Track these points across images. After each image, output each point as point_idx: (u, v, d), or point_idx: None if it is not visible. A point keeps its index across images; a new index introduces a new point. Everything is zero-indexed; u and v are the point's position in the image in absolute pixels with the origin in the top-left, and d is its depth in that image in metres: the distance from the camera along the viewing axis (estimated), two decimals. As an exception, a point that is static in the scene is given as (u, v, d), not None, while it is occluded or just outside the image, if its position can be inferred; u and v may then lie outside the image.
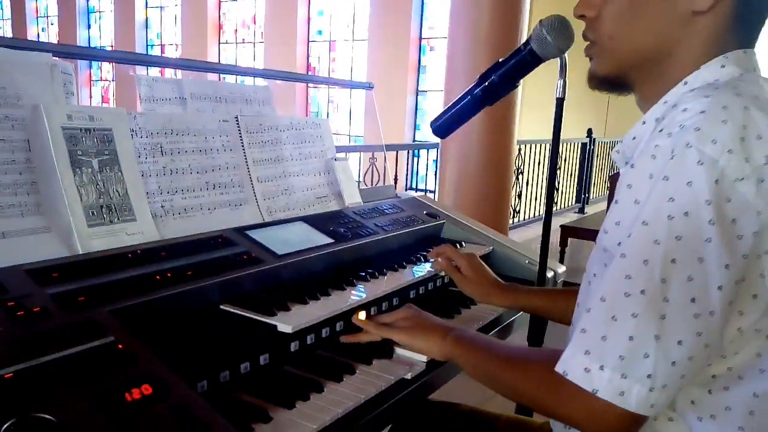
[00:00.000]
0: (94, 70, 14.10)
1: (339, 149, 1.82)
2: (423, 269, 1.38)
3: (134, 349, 0.83)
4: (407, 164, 10.26)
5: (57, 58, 1.08)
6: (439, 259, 1.32)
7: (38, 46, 1.09)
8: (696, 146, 0.65)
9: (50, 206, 1.01)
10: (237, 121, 1.39)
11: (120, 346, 0.82)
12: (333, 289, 1.19)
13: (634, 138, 0.82)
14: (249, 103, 1.47)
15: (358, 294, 1.19)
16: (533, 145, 6.65)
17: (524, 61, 1.05)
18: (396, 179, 4.50)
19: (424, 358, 1.07)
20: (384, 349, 1.09)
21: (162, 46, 13.32)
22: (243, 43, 12.24)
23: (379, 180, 4.41)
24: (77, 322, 0.83)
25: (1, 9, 15.53)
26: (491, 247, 1.67)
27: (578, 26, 0.94)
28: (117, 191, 1.11)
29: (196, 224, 1.24)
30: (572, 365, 0.68)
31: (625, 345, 0.65)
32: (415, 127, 10.80)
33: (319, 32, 11.50)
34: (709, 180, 0.64)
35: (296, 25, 11.21)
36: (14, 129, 0.99)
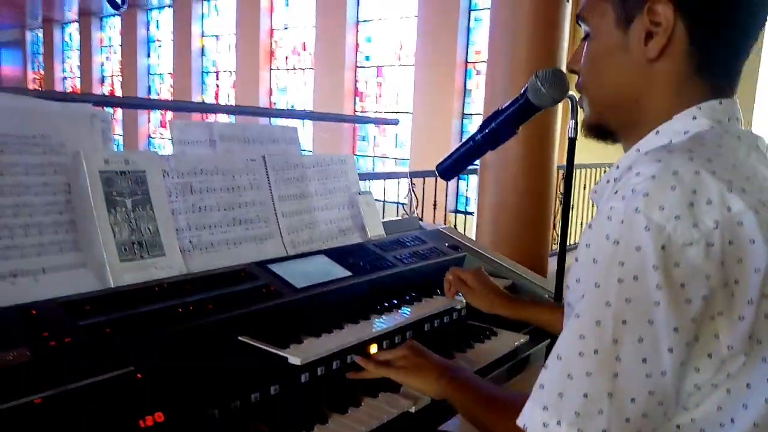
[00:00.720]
0: (153, 95, 14.78)
1: (362, 176, 1.88)
2: (439, 302, 1.43)
3: (151, 378, 0.91)
4: (456, 187, 10.30)
5: (97, 108, 1.19)
6: (449, 277, 1.39)
7: (80, 98, 1.20)
8: (644, 212, 0.67)
9: (86, 243, 1.11)
10: (264, 160, 1.47)
11: (138, 375, 0.90)
12: (347, 322, 1.25)
13: (608, 181, 0.85)
14: (276, 142, 1.56)
15: (371, 327, 1.24)
16: (585, 170, 6.57)
17: (521, 109, 1.10)
18: (435, 204, 4.53)
19: (429, 392, 1.11)
20: (391, 383, 1.14)
21: (217, 72, 13.85)
22: (293, 69, 12.60)
23: (418, 204, 4.45)
24: (102, 353, 0.92)
25: (71, 40, 16.49)
26: (510, 281, 1.69)
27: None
28: (148, 228, 1.20)
29: (222, 258, 1.32)
30: (531, 419, 0.71)
31: (580, 402, 0.68)
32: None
33: (367, 58, 11.72)
34: (656, 246, 0.66)
35: (344, 51, 11.48)
36: (57, 174, 1.10)
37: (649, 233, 0.67)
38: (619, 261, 0.68)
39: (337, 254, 1.49)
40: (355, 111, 12.08)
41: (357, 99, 11.86)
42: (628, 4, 0.81)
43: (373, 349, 1.25)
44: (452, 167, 1.20)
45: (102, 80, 15.88)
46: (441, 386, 1.05)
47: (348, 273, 1.42)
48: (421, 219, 2.03)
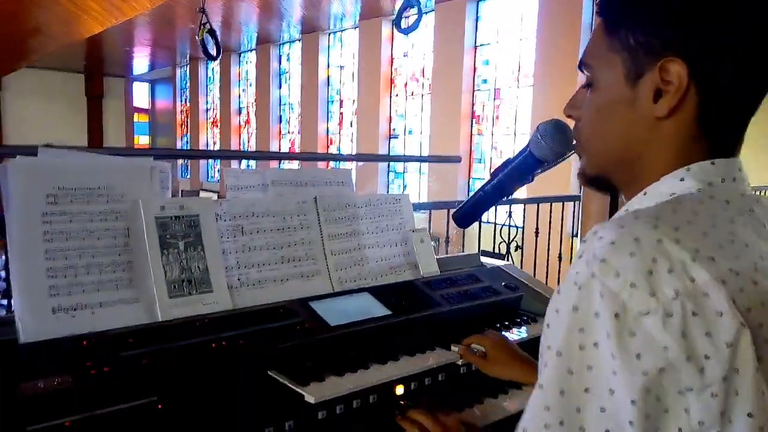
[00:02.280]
0: (283, 124, 15.77)
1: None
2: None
3: (171, 409, 1.01)
4: (573, 211, 9.90)
5: (156, 161, 1.35)
6: (456, 349, 1.36)
7: (141, 153, 1.37)
8: (599, 278, 0.66)
9: (140, 281, 1.25)
10: (316, 201, 1.57)
11: (159, 406, 1.01)
12: (374, 362, 1.29)
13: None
14: (329, 185, 1.65)
15: (397, 369, 1.27)
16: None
17: (526, 163, 1.09)
18: (550, 229, 4.38)
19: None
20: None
21: (341, 101, 14.49)
22: (412, 95, 12.87)
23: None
24: (133, 382, 1.04)
25: (213, 74, 18.09)
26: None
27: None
28: (198, 267, 1.33)
29: (269, 294, 1.42)
30: None
31: None
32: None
33: (484, 81, 11.70)
34: (610, 314, 0.64)
35: (462, 75, 11.56)
36: (118, 220, 1.26)
37: (604, 300, 0.65)
38: (579, 327, 0.67)
39: (381, 292, 1.54)
40: (472, 134, 12.06)
41: (473, 121, 11.84)
42: (638, 60, 0.79)
43: (399, 389, 1.28)
44: (467, 216, 1.21)
45: (239, 111, 17.22)
46: None
47: (387, 311, 1.47)
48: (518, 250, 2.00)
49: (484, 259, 1.95)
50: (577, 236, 4.65)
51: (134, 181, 1.30)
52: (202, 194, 17.41)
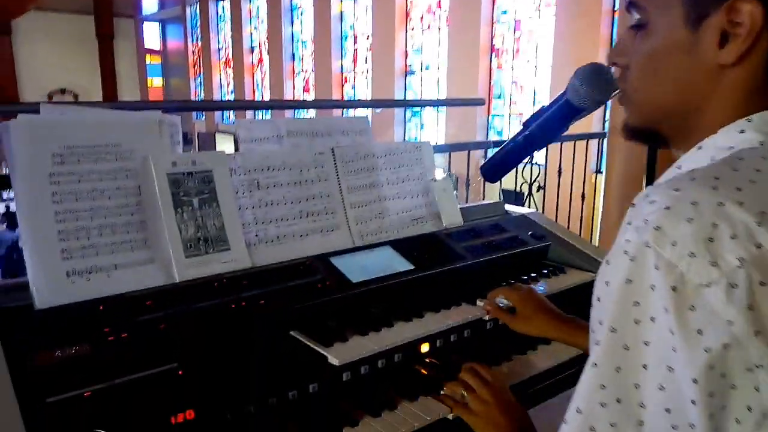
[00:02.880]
0: (297, 62, 15.44)
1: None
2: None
3: (192, 375, 0.99)
4: (597, 147, 9.66)
5: (165, 114, 1.28)
6: (486, 307, 1.31)
7: (147, 106, 1.30)
8: (654, 248, 0.60)
9: (155, 241, 1.21)
10: (333, 152, 1.50)
11: (180, 372, 0.98)
12: (399, 319, 1.25)
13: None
14: (345, 134, 1.58)
15: (423, 326, 1.24)
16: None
17: (561, 112, 1.00)
18: (560, 170, 4.27)
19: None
20: (434, 385, 1.13)
21: (355, 36, 14.08)
22: (428, 29, 12.44)
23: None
24: (152, 349, 1.01)
25: (224, 12, 17.65)
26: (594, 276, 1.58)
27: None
28: (214, 225, 1.28)
29: (288, 250, 1.38)
30: None
31: None
32: (605, 107, 10.09)
33: (504, 12, 11.25)
34: (666, 286, 0.59)
35: (480, 7, 11.10)
36: (128, 178, 1.21)
37: (659, 272, 0.60)
38: (634, 301, 0.62)
39: (403, 245, 1.49)
40: (491, 68, 11.72)
41: (493, 55, 11.48)
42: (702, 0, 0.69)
43: (424, 347, 1.25)
44: (496, 168, 1.13)
45: (251, 50, 16.87)
46: None
47: (410, 266, 1.42)
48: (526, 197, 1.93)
49: (508, 207, 1.88)
50: (601, 172, 4.54)
51: (143, 137, 1.24)
52: (218, 136, 17.36)
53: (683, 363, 0.58)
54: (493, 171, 1.14)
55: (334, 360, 1.09)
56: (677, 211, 0.60)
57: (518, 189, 4.31)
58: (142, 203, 1.22)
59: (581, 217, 4.66)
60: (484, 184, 4.05)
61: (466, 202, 3.18)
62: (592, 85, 0.97)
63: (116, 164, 1.20)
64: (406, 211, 1.61)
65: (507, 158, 1.12)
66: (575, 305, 1.26)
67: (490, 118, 11.62)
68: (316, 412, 1.05)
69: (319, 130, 1.53)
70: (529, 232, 1.70)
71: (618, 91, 0.85)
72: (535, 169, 4.23)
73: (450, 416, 1.08)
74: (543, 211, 4.49)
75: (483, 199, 2.01)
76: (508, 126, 11.16)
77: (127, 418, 0.89)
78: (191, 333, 1.07)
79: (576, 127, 1.08)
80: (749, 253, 0.58)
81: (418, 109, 12.69)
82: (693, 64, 0.71)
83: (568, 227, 4.40)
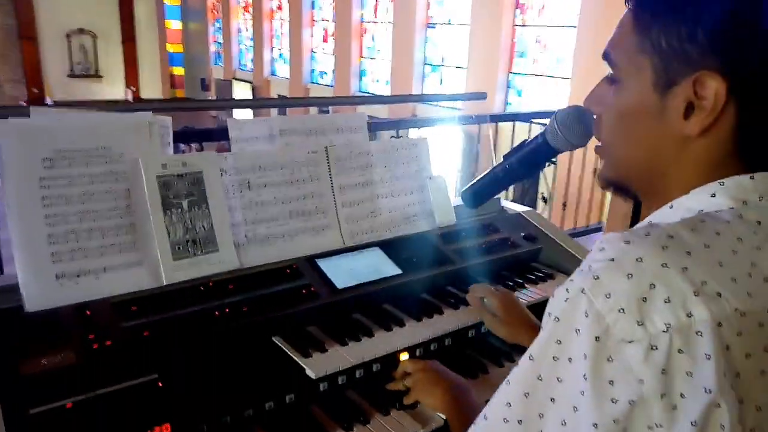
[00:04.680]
0: (317, 11, 15.12)
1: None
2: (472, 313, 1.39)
3: (171, 386, 1.03)
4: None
5: (156, 115, 1.28)
6: (472, 300, 1.34)
7: (139, 107, 1.30)
8: (588, 295, 0.62)
9: (143, 243, 1.24)
10: (326, 151, 1.50)
11: (160, 384, 1.02)
12: (380, 328, 1.28)
13: None
14: (340, 132, 1.57)
15: (401, 337, 1.26)
16: None
17: (539, 149, 0.98)
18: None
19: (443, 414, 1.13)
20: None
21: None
22: (449, -21, 12.10)
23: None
24: (134, 358, 1.05)
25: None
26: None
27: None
28: (203, 226, 1.30)
29: (277, 251, 1.40)
30: None
31: None
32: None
33: (531, -34, 10.88)
34: (590, 334, 0.61)
35: (508, -40, 10.75)
36: (118, 181, 1.23)
37: (588, 319, 0.62)
38: (557, 339, 0.65)
39: (393, 247, 1.50)
40: (515, 24, 11.40)
41: (518, 11, 11.15)
42: (671, 67, 0.68)
43: (404, 356, 1.28)
44: (476, 196, 1.13)
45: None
46: (443, 403, 1.08)
47: (398, 271, 1.44)
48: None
49: (505, 204, 1.87)
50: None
51: (133, 139, 1.25)
52: (235, 84, 17.23)
53: (588, 407, 0.61)
54: (473, 198, 1.14)
55: (311, 372, 1.13)
56: (620, 265, 0.62)
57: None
58: (131, 206, 1.24)
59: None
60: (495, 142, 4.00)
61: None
62: (570, 130, 0.96)
63: (106, 167, 1.22)
64: (399, 209, 1.61)
65: (486, 188, 1.12)
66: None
67: (509, 76, 11.37)
68: (291, 423, 1.08)
69: (313, 128, 1.53)
70: (522, 234, 1.70)
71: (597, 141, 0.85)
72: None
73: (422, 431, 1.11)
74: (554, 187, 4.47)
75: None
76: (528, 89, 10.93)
77: (106, 429, 0.93)
78: (173, 341, 1.11)
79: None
80: (677, 320, 0.59)
81: (438, 63, 12.47)
82: (660, 129, 0.71)
83: (576, 210, 4.38)
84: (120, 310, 1.13)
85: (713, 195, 0.69)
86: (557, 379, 0.65)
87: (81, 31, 18.53)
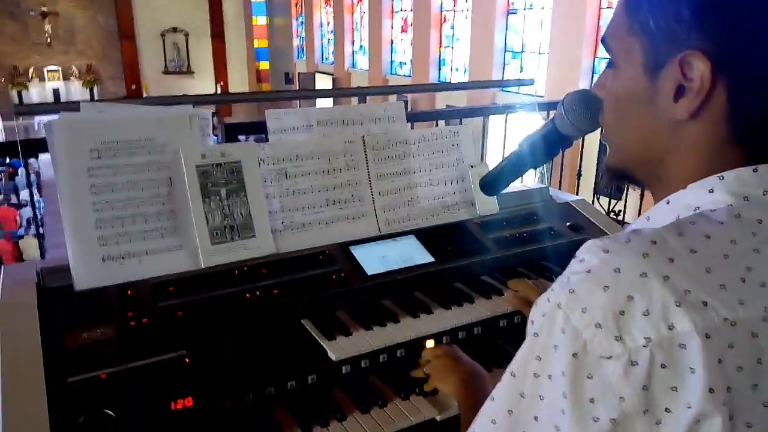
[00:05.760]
0: (396, 1, 15.15)
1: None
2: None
3: (198, 362, 1.09)
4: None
5: (196, 108, 1.35)
6: (509, 296, 1.32)
7: (180, 101, 1.38)
8: (565, 310, 0.59)
9: (183, 229, 1.31)
10: (363, 140, 1.52)
11: (187, 360, 1.09)
12: (407, 314, 1.29)
13: None
14: (378, 122, 1.58)
15: (427, 324, 1.27)
16: None
17: (549, 135, 0.95)
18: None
19: (461, 401, 1.13)
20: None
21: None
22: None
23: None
24: (166, 334, 1.12)
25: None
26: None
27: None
28: (241, 213, 1.36)
29: (313, 238, 1.44)
30: None
31: None
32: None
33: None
34: (568, 351, 0.59)
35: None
36: (160, 170, 1.31)
37: (565, 336, 0.60)
38: (537, 355, 0.63)
39: (428, 235, 1.51)
40: (601, 7, 10.92)
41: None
42: (658, 48, 0.66)
43: (429, 343, 1.28)
44: (494, 182, 1.11)
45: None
46: (456, 391, 1.08)
47: (430, 258, 1.44)
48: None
49: (554, 192, 1.82)
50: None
51: (174, 131, 1.32)
52: (318, 76, 17.61)
53: (569, 427, 0.59)
54: (489, 185, 1.13)
55: (331, 354, 1.16)
56: (596, 277, 0.59)
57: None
58: (172, 193, 1.32)
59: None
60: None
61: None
62: (577, 115, 0.92)
63: (149, 157, 1.30)
64: (438, 198, 1.61)
65: (502, 174, 1.10)
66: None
67: (595, 61, 10.92)
68: (311, 403, 1.12)
69: (350, 118, 1.55)
70: (568, 223, 1.66)
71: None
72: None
73: (438, 417, 1.12)
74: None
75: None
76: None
77: (133, 402, 1.00)
78: (204, 321, 1.17)
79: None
80: (658, 333, 0.56)
81: (519, 50, 12.18)
82: (653, 114, 0.68)
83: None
84: (158, 290, 1.21)
85: (711, 191, 0.65)
86: (539, 397, 0.63)
87: (174, 29, 19.57)
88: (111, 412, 0.97)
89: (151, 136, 1.30)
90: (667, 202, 0.69)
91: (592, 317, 0.58)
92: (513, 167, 1.07)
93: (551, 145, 0.98)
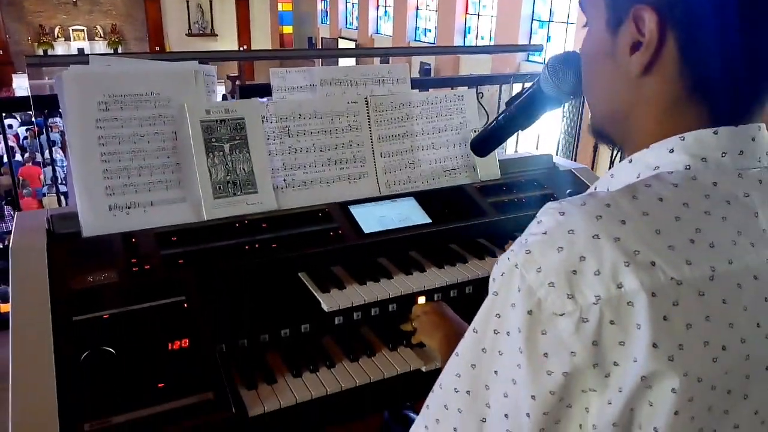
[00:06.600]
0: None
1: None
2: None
3: (196, 307, 1.14)
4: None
5: (201, 64, 1.38)
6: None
7: (184, 57, 1.41)
8: (521, 270, 0.62)
9: (187, 182, 1.36)
10: (366, 101, 1.54)
11: (185, 305, 1.14)
12: (401, 272, 1.33)
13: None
14: (382, 83, 1.60)
15: (418, 281, 1.31)
16: None
17: (535, 96, 0.96)
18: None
19: (448, 355, 1.17)
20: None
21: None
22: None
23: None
24: (166, 281, 1.17)
25: None
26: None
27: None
28: (243, 169, 1.40)
29: (314, 196, 1.48)
30: None
31: None
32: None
33: None
34: (523, 308, 0.61)
35: None
36: (165, 124, 1.35)
37: (521, 294, 0.63)
38: (496, 313, 0.66)
39: (428, 198, 1.53)
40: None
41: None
42: (618, 4, 0.67)
43: (421, 299, 1.32)
44: (483, 143, 1.12)
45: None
46: (440, 346, 1.13)
47: (427, 219, 1.47)
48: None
49: (557, 160, 1.83)
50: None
51: (180, 86, 1.36)
52: (341, 42, 17.45)
53: (525, 380, 0.63)
54: (479, 146, 1.14)
55: (324, 305, 1.21)
56: (551, 238, 0.62)
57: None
58: (177, 147, 1.36)
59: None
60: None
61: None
62: (558, 76, 0.93)
63: (155, 111, 1.34)
64: (440, 161, 1.63)
65: (492, 135, 1.11)
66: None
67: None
68: (302, 349, 1.17)
69: (354, 79, 1.57)
70: (569, 190, 1.67)
71: None
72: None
73: (424, 368, 1.17)
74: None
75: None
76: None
77: (132, 341, 1.06)
78: (203, 270, 1.22)
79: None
80: (607, 292, 0.59)
81: (546, 18, 11.94)
82: (615, 71, 0.70)
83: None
84: (161, 240, 1.26)
85: (671, 150, 0.67)
86: (498, 352, 0.66)
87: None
88: (112, 350, 1.03)
89: (158, 91, 1.34)
90: (630, 161, 0.71)
91: (546, 276, 0.61)
92: (501, 129, 1.09)
93: (537, 106, 1.00)
